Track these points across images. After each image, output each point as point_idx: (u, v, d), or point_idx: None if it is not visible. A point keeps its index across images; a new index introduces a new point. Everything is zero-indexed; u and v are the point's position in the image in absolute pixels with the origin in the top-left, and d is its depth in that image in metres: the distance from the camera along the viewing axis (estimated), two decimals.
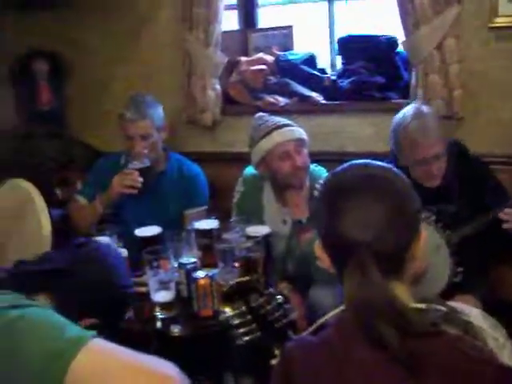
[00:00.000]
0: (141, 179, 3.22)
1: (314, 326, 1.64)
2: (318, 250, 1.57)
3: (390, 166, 1.56)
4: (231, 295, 1.95)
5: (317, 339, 1.48)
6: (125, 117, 3.37)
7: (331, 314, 1.57)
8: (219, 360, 2.52)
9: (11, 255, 3.04)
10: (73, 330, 1.53)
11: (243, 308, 1.87)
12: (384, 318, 1.36)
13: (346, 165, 1.57)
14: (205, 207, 3.50)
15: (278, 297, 1.90)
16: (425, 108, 2.98)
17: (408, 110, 2.94)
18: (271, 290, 1.90)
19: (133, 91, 3.63)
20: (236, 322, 1.86)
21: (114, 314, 1.96)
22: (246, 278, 1.98)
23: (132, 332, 2.55)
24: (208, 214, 3.27)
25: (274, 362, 1.75)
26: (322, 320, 1.62)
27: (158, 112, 3.44)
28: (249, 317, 1.86)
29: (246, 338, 1.83)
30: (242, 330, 1.84)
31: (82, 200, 3.49)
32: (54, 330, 1.52)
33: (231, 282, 1.98)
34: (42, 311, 1.60)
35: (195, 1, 3.76)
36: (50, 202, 2.88)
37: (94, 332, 1.53)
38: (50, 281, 1.80)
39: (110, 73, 4.21)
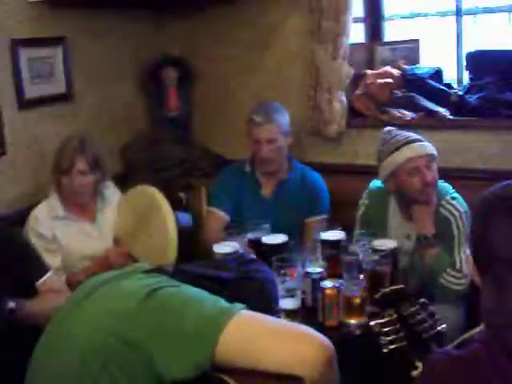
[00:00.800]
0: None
1: (457, 341, 1.64)
2: (470, 262, 1.57)
3: None
4: (382, 302, 1.96)
5: (464, 354, 1.46)
6: (253, 120, 3.45)
7: (477, 329, 1.57)
8: (340, 371, 2.52)
9: (136, 255, 3.16)
10: (224, 302, 1.68)
11: (393, 316, 1.87)
12: None
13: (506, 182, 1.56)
14: (325, 216, 3.54)
15: (431, 308, 1.88)
16: None
17: None
18: (423, 300, 1.89)
19: (259, 100, 3.69)
20: (384, 329, 1.86)
21: None
22: (400, 286, 1.98)
23: None
24: (327, 224, 3.28)
25: (414, 373, 1.75)
26: (466, 335, 1.61)
27: (285, 117, 3.52)
28: (397, 325, 1.86)
29: (392, 347, 1.83)
30: (389, 338, 1.84)
31: (217, 211, 3.58)
32: (208, 301, 1.67)
33: (385, 290, 1.98)
34: (195, 288, 1.75)
35: (324, 14, 3.79)
36: (175, 205, 2.97)
37: (243, 305, 1.67)
38: (212, 287, 1.85)
39: (237, 81, 4.29)
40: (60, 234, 3.31)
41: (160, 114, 4.38)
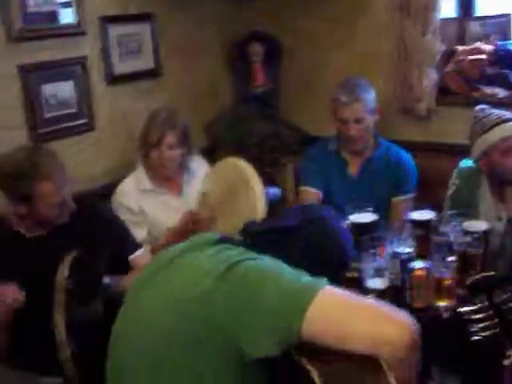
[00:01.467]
0: None
1: None
2: None
3: None
4: (474, 288, 1.92)
5: None
6: (339, 100, 3.39)
7: None
8: (426, 354, 2.48)
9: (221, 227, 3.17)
10: (307, 276, 1.65)
11: (485, 303, 1.84)
12: None
13: None
14: (412, 195, 3.48)
15: None
16: None
17: None
18: None
19: (347, 77, 3.63)
20: (475, 316, 1.83)
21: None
22: (491, 272, 1.94)
23: None
24: (415, 204, 3.22)
25: (506, 362, 1.71)
26: None
27: (371, 95, 3.45)
28: (490, 312, 1.82)
29: (483, 334, 1.80)
30: (480, 326, 1.81)
31: (310, 189, 3.55)
32: (290, 275, 1.65)
33: (476, 276, 1.95)
34: (274, 261, 1.73)
35: None
36: (263, 181, 2.95)
37: (326, 279, 1.64)
38: (278, 238, 1.87)
39: (324, 57, 4.23)
40: (147, 207, 3.37)
41: (246, 90, 4.38)
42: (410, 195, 3.48)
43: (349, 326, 1.58)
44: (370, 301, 1.67)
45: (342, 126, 3.42)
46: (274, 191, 3.45)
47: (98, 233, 2.79)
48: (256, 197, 2.94)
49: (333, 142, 3.58)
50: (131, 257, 2.93)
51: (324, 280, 1.64)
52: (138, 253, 2.95)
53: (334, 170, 3.55)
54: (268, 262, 1.73)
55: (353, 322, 1.58)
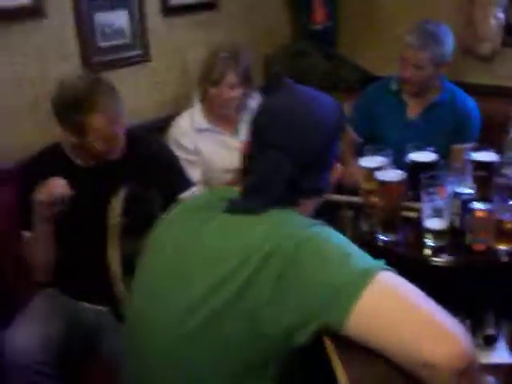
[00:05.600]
0: None
1: None
2: None
3: None
4: None
5: None
6: (406, 40, 3.23)
7: None
8: (483, 298, 2.42)
9: None
10: (358, 260, 1.48)
11: None
12: None
13: None
14: (473, 144, 3.36)
15: None
16: None
17: None
18: None
19: (408, 12, 3.51)
20: None
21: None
22: None
23: (392, 254, 2.52)
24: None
25: None
26: None
27: (443, 48, 3.24)
28: None
29: None
30: None
31: (351, 132, 3.49)
32: (340, 260, 1.47)
33: None
34: (326, 234, 1.56)
35: None
36: None
37: (380, 263, 1.49)
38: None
39: None
40: (202, 146, 3.34)
41: (306, 27, 4.29)
42: (471, 144, 3.36)
43: (396, 331, 1.39)
44: (425, 305, 1.41)
45: (401, 63, 3.28)
46: None
47: (153, 170, 2.75)
48: None
49: (395, 81, 3.45)
50: (181, 195, 2.87)
51: (376, 267, 1.46)
52: (190, 192, 2.90)
53: (391, 110, 3.43)
54: (320, 235, 1.54)
55: (402, 328, 1.38)
